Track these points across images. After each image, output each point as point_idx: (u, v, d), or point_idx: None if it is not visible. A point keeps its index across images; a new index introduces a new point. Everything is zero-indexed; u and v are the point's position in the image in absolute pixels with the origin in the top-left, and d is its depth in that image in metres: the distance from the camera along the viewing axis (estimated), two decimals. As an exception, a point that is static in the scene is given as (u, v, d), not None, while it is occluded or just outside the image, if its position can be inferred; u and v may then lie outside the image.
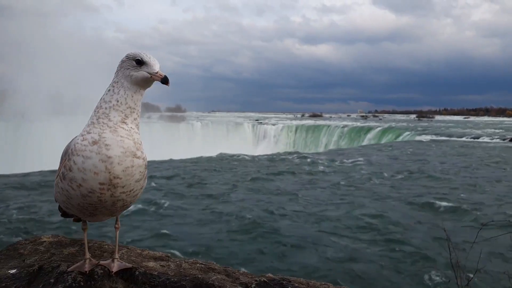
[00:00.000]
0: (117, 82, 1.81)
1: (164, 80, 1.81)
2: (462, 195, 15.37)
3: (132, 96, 1.80)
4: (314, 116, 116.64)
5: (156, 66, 1.80)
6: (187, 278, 1.98)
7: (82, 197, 1.72)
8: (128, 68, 1.81)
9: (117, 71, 1.84)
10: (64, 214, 2.19)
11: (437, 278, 8.15)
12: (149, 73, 1.79)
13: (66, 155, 1.77)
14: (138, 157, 1.77)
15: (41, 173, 18.58)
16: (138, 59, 1.80)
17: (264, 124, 57.31)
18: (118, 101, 1.77)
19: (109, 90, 1.81)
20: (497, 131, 50.97)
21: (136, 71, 1.80)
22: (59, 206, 2.12)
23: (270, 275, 2.09)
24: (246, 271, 2.21)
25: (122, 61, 1.84)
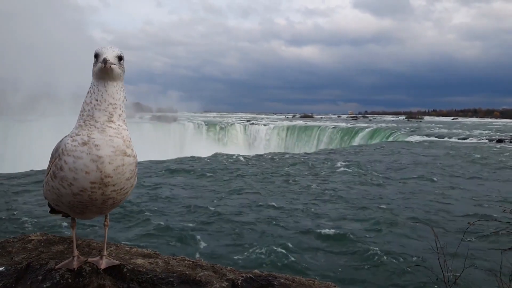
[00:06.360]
0: (91, 83, 1.83)
1: (104, 63, 1.75)
2: (450, 194, 15.57)
3: (107, 91, 1.79)
4: (305, 116, 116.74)
5: (106, 54, 1.76)
6: (175, 274, 2.01)
7: (73, 195, 1.74)
8: (93, 67, 1.82)
9: None
10: (53, 210, 2.19)
11: (425, 276, 8.22)
12: (101, 63, 1.77)
13: (57, 154, 1.78)
14: (129, 155, 1.78)
15: (30, 172, 18.40)
16: (95, 54, 1.81)
17: (255, 124, 57.27)
18: (97, 100, 1.78)
19: (88, 92, 1.82)
20: (485, 132, 51.59)
21: (95, 66, 1.79)
22: (48, 202, 2.13)
23: (256, 271, 2.13)
24: (233, 268, 2.24)
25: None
